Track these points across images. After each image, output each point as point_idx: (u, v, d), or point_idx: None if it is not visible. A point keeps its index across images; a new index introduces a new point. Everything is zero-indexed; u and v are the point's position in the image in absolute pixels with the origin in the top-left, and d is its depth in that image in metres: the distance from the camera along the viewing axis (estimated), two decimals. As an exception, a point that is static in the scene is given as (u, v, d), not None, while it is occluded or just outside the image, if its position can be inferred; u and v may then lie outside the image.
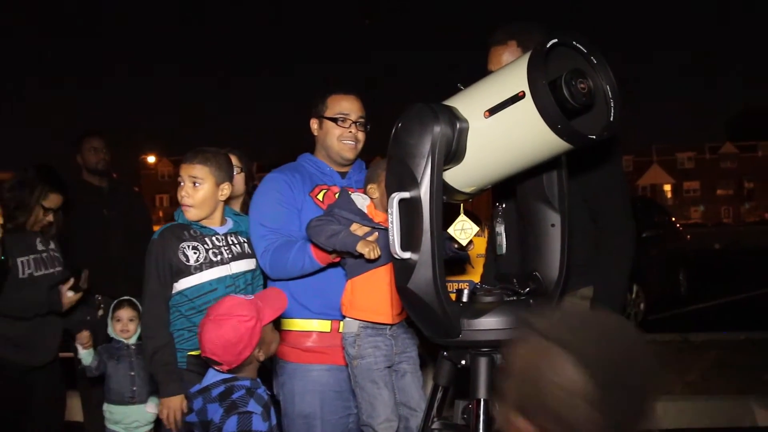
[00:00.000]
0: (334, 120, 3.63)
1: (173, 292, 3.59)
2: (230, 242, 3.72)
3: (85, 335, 4.47)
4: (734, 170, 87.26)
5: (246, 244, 3.79)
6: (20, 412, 4.30)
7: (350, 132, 3.64)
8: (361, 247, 3.11)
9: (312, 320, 3.57)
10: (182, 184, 3.63)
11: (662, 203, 42.55)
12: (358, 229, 3.21)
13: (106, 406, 4.55)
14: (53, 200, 4.38)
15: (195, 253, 3.60)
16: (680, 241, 14.48)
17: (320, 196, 3.63)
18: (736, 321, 10.37)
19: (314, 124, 3.72)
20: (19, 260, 4.22)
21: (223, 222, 3.75)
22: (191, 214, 3.65)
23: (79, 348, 4.49)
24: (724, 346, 8.18)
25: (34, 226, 4.33)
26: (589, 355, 1.42)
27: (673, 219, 15.58)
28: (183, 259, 3.56)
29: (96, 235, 5.43)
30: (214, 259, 3.61)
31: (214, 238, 3.68)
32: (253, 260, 3.76)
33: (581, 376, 1.39)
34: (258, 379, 2.91)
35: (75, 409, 5.65)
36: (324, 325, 3.57)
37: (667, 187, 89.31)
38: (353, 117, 3.64)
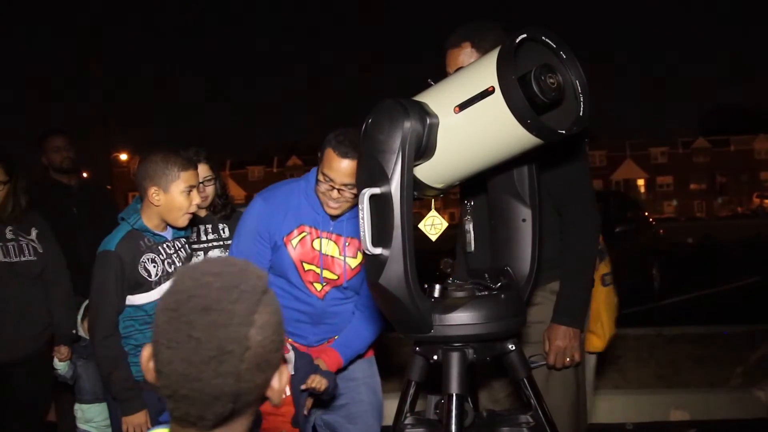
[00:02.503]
0: (324, 179, 3.40)
1: (127, 304, 3.48)
2: (177, 247, 3.66)
3: (63, 351, 4.41)
4: (707, 165, 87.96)
5: (187, 245, 3.77)
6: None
7: (332, 196, 3.41)
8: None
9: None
10: (192, 191, 3.54)
11: (635, 198, 42.75)
12: None
13: (77, 406, 4.50)
14: None
15: (154, 266, 3.50)
16: (653, 235, 14.61)
17: (294, 242, 3.52)
18: (710, 315, 10.46)
19: (318, 160, 3.49)
20: None
21: (165, 227, 3.64)
22: (187, 221, 3.60)
23: (56, 359, 4.43)
24: (696, 339, 8.24)
25: None
26: (169, 288, 1.46)
27: (647, 213, 15.75)
28: (144, 273, 3.45)
29: (65, 233, 5.38)
30: (170, 270, 3.54)
31: (165, 246, 3.59)
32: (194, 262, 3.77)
33: (160, 303, 1.46)
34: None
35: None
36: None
37: (641, 182, 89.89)
38: (336, 183, 3.36)
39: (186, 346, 1.36)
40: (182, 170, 3.47)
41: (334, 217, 3.53)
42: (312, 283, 3.54)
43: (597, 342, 3.97)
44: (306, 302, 3.56)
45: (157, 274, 3.49)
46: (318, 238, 3.53)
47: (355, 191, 3.34)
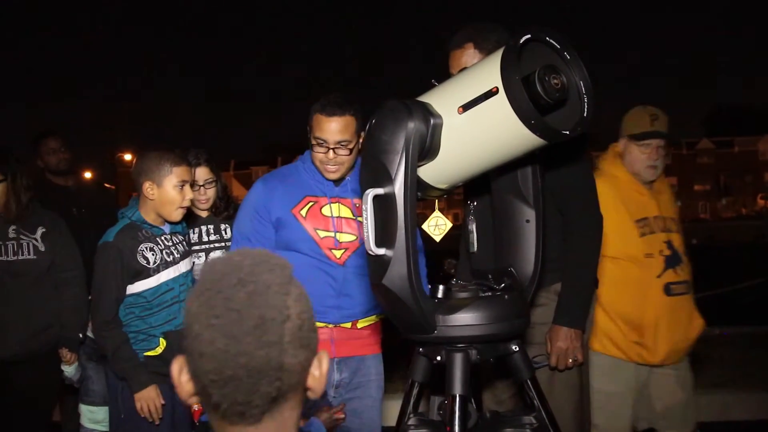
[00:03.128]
0: (317, 143, 3.52)
1: (128, 293, 3.62)
2: (174, 241, 3.81)
3: (65, 354, 4.40)
4: (711, 166, 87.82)
5: (185, 242, 3.91)
6: None
7: (329, 158, 3.50)
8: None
9: None
10: (184, 187, 3.70)
11: (640, 199, 42.61)
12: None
13: (85, 407, 4.51)
14: None
15: (153, 254, 3.65)
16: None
17: (303, 212, 3.56)
18: (714, 316, 10.44)
19: (308, 132, 3.61)
20: None
21: (163, 222, 3.82)
22: (182, 215, 3.76)
23: (63, 364, 4.42)
24: (699, 340, 8.21)
25: None
26: (201, 275, 1.45)
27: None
28: (143, 261, 3.60)
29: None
30: (168, 259, 3.70)
31: (163, 238, 3.75)
32: (191, 259, 3.91)
33: (192, 294, 1.44)
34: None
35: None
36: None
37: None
38: (330, 143, 3.48)
39: (226, 320, 1.34)
40: (174, 165, 3.67)
41: (336, 182, 3.61)
42: (331, 250, 3.56)
43: (645, 354, 3.93)
44: (327, 272, 3.57)
45: (155, 262, 3.64)
46: (327, 204, 3.59)
47: (350, 147, 3.51)
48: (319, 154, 3.52)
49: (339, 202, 3.60)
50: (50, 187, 5.69)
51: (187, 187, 3.71)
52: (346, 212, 3.61)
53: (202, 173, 4.26)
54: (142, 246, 3.63)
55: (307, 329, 1.41)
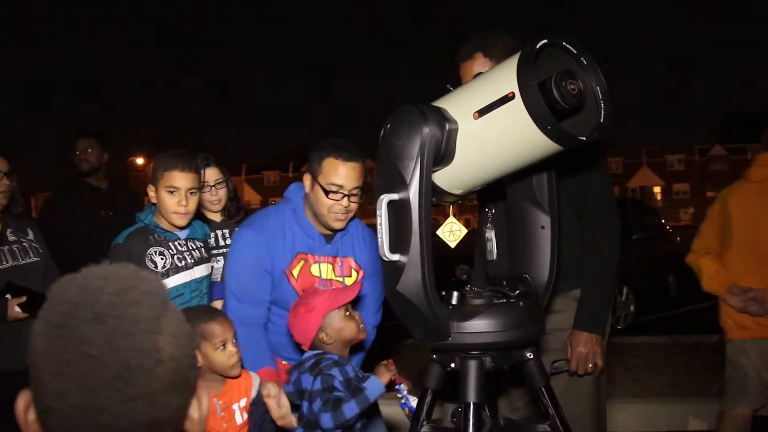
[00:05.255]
0: (326, 192, 3.32)
1: None
2: (190, 247, 3.72)
3: None
4: (724, 172, 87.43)
5: (203, 249, 3.80)
6: (8, 418, 4.20)
7: (342, 206, 3.35)
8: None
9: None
10: (175, 192, 3.59)
11: (652, 205, 42.65)
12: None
13: None
14: None
15: (162, 258, 3.58)
16: (670, 243, 14.50)
17: (295, 272, 3.45)
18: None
19: (307, 180, 3.42)
20: None
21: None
22: (185, 221, 3.66)
23: None
24: (714, 348, 8.18)
25: None
26: (50, 301, 1.15)
27: (663, 221, 15.64)
28: (151, 265, 3.52)
29: (91, 235, 5.39)
30: (179, 264, 3.61)
31: (177, 243, 3.67)
32: (210, 264, 3.81)
33: (38, 325, 1.15)
34: (348, 358, 3.10)
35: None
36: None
37: (657, 189, 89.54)
38: (346, 189, 3.30)
39: (81, 368, 1.06)
40: (166, 170, 3.60)
41: (328, 239, 3.50)
42: None
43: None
44: None
45: (164, 266, 3.56)
46: (316, 263, 3.48)
47: (358, 197, 3.37)
48: (331, 201, 3.33)
49: (326, 261, 3.50)
50: (82, 187, 5.72)
51: (180, 194, 3.56)
52: (330, 273, 3.50)
53: (212, 174, 4.26)
54: (152, 250, 3.57)
55: (184, 369, 1.16)
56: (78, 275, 1.16)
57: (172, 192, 3.58)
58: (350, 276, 3.50)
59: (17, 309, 4.03)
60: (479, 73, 2.97)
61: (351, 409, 2.82)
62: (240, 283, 3.48)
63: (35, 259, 4.31)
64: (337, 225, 3.42)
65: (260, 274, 3.44)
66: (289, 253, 3.43)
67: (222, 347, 3.14)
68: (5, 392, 4.13)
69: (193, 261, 3.68)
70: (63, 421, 1.09)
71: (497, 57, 3.14)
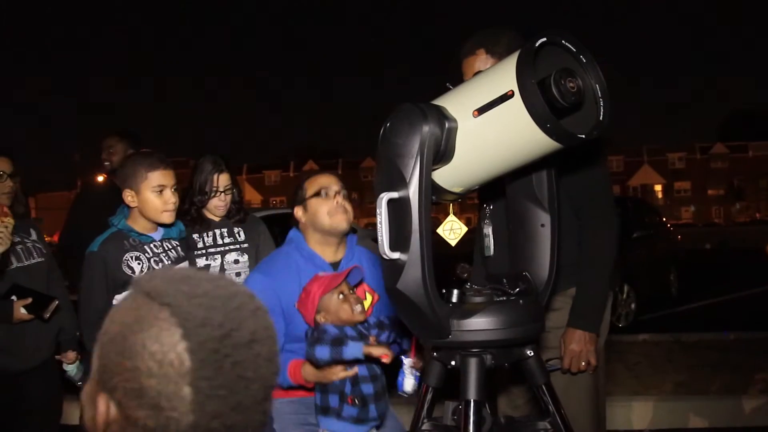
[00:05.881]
0: (318, 194, 3.52)
1: (114, 303, 3.51)
2: (166, 248, 3.72)
3: (70, 356, 4.37)
4: (725, 170, 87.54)
5: (179, 248, 3.81)
6: (11, 417, 4.21)
7: (337, 203, 3.51)
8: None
9: None
10: (164, 191, 3.58)
11: (653, 203, 42.62)
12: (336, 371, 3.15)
13: None
14: None
15: (139, 264, 3.56)
16: (671, 241, 14.52)
17: None
18: (728, 321, 10.39)
19: (299, 212, 3.59)
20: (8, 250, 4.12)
21: (155, 228, 3.73)
22: (173, 218, 3.67)
23: (64, 363, 4.41)
24: (715, 346, 8.20)
25: None
26: (191, 320, 1.15)
27: (664, 219, 15.64)
28: (128, 271, 3.51)
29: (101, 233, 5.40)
30: (156, 267, 3.57)
31: (152, 246, 3.66)
32: (185, 263, 3.81)
33: (182, 344, 1.13)
34: (349, 329, 3.17)
35: (70, 413, 5.58)
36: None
37: (658, 188, 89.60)
38: (335, 189, 3.54)
39: (238, 390, 1.13)
40: (150, 171, 3.57)
41: (335, 267, 3.54)
42: None
43: None
44: None
45: (142, 271, 3.54)
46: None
47: (347, 197, 3.56)
48: (325, 205, 3.50)
49: None
50: (105, 186, 5.76)
51: (167, 192, 3.60)
52: None
53: (223, 180, 4.28)
54: (128, 255, 3.55)
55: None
56: (207, 293, 1.18)
57: (160, 191, 3.57)
58: (365, 299, 3.50)
59: (23, 311, 4.02)
60: (479, 71, 2.98)
61: (323, 351, 3.04)
62: None
63: (39, 259, 4.31)
64: (343, 225, 3.50)
65: (276, 318, 3.42)
66: (297, 288, 3.42)
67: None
68: (8, 389, 4.18)
69: (170, 262, 3.68)
70: None
71: (499, 54, 3.14)
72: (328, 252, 3.56)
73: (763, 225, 59.56)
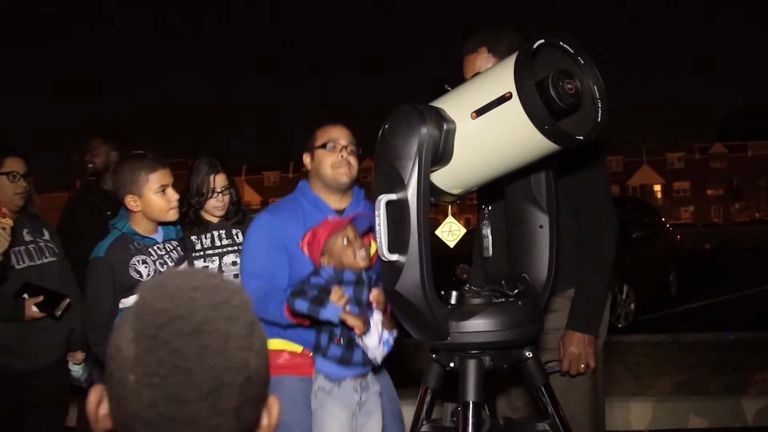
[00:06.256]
0: (324, 146, 3.57)
1: (122, 307, 3.55)
2: (168, 249, 3.75)
3: (79, 357, 4.38)
4: (724, 170, 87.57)
5: (179, 248, 3.84)
6: (17, 416, 4.20)
7: (342, 156, 3.55)
8: (344, 316, 3.03)
9: (284, 341, 3.52)
10: (166, 190, 3.60)
11: (652, 203, 42.64)
12: (335, 295, 3.10)
13: None
14: (12, 165, 4.21)
15: (145, 267, 3.58)
16: (670, 241, 14.52)
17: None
18: (727, 321, 10.39)
19: (307, 158, 3.66)
20: (10, 251, 4.11)
21: (156, 230, 3.75)
22: (178, 214, 3.68)
23: (70, 362, 4.41)
24: (714, 346, 8.19)
25: (10, 204, 4.21)
26: (141, 308, 1.13)
27: (663, 219, 15.64)
28: (135, 275, 3.52)
29: (94, 236, 5.39)
30: (162, 269, 3.61)
31: (156, 248, 3.69)
32: (185, 264, 3.82)
33: (130, 333, 1.12)
34: (348, 272, 3.20)
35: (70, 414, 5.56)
36: (295, 347, 3.52)
37: (657, 188, 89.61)
38: (343, 142, 3.58)
39: (174, 380, 1.07)
40: (150, 172, 3.58)
41: (339, 212, 3.58)
42: None
43: None
44: None
45: (149, 275, 3.55)
46: None
47: (355, 152, 3.59)
48: (331, 156, 3.55)
49: None
50: (90, 189, 5.74)
51: (169, 190, 3.63)
52: None
53: (220, 181, 4.27)
54: (134, 259, 3.56)
55: (263, 383, 1.19)
56: (166, 282, 1.15)
57: (162, 191, 3.59)
58: (369, 245, 3.52)
59: (34, 309, 4.04)
60: (477, 73, 2.98)
61: (301, 305, 3.06)
62: (256, 261, 3.54)
63: (51, 259, 4.32)
64: (344, 178, 3.55)
65: (274, 252, 3.50)
66: (302, 229, 3.50)
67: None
68: (15, 390, 4.16)
69: (173, 263, 3.71)
70: (149, 429, 1.09)
71: (501, 53, 3.13)
72: (332, 199, 3.61)
73: (762, 225, 59.54)
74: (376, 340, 3.14)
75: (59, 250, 4.42)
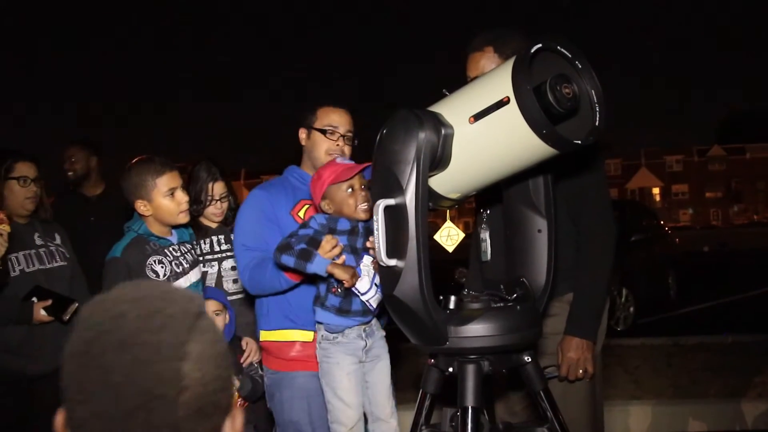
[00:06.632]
0: (323, 132, 3.57)
1: None
2: (183, 251, 3.75)
3: None
4: (723, 173, 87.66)
5: (194, 251, 3.86)
6: (23, 420, 4.17)
7: (338, 145, 3.56)
8: (331, 269, 3.04)
9: (295, 330, 3.53)
10: (175, 193, 3.59)
11: (651, 206, 42.73)
12: (328, 244, 3.10)
13: None
14: (22, 170, 4.25)
15: (162, 267, 3.59)
16: (669, 244, 14.51)
17: (301, 213, 3.58)
18: (727, 324, 10.38)
19: (302, 133, 3.66)
20: (7, 257, 4.10)
21: (170, 232, 3.76)
22: (189, 216, 3.70)
23: None
24: (714, 349, 8.17)
25: (21, 209, 4.24)
26: (79, 324, 1.12)
27: (662, 222, 15.65)
28: (152, 275, 3.52)
29: (80, 242, 5.38)
30: (178, 270, 3.64)
31: (172, 249, 3.69)
32: (200, 267, 3.86)
33: (68, 348, 1.12)
34: (343, 221, 3.21)
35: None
36: (306, 335, 3.50)
37: (656, 190, 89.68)
38: (342, 130, 3.57)
39: (102, 397, 1.04)
40: (157, 177, 3.57)
41: None
42: None
43: None
44: None
45: (165, 274, 3.57)
46: None
47: (351, 141, 3.61)
48: (328, 142, 3.56)
49: None
50: (71, 196, 5.72)
51: (178, 193, 3.61)
52: None
53: (219, 188, 4.29)
54: (151, 259, 3.57)
55: (213, 392, 1.12)
56: (109, 297, 1.14)
57: (171, 194, 3.58)
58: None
59: (42, 312, 4.04)
60: (475, 78, 2.97)
61: (287, 260, 3.07)
62: (247, 234, 3.57)
63: (62, 263, 4.34)
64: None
65: (266, 223, 3.53)
66: (291, 201, 3.56)
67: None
68: (22, 394, 4.15)
69: (188, 264, 3.72)
70: None
71: (506, 55, 3.09)
72: None
73: (761, 227, 59.54)
74: (367, 284, 3.14)
75: (71, 254, 4.45)
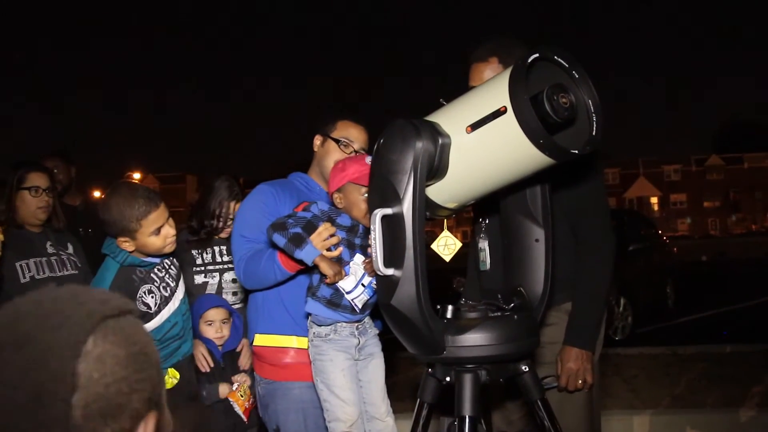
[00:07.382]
0: (338, 141, 3.57)
1: None
2: (166, 266, 3.58)
3: None
4: (721, 182, 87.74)
5: (176, 261, 3.70)
6: None
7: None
8: (318, 261, 3.04)
9: (290, 337, 3.49)
10: (162, 229, 3.41)
11: (649, 216, 42.72)
12: (326, 231, 3.11)
13: None
14: (34, 180, 4.28)
15: (152, 297, 3.43)
16: (667, 253, 14.54)
17: None
18: (725, 333, 10.39)
19: (317, 140, 3.67)
20: (17, 264, 4.13)
21: None
22: (174, 246, 3.53)
23: None
24: (712, 358, 8.17)
25: (33, 219, 4.25)
26: None
27: (660, 231, 15.66)
28: (144, 308, 3.37)
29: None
30: (166, 294, 3.49)
31: (156, 270, 3.51)
32: (182, 281, 3.69)
33: None
34: (345, 216, 3.20)
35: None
36: (301, 342, 3.43)
37: (654, 200, 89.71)
38: (356, 146, 3.58)
39: None
40: (142, 217, 3.33)
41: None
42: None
43: None
44: None
45: (156, 303, 3.45)
46: None
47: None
48: (338, 154, 3.54)
49: None
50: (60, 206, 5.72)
51: (165, 228, 3.41)
52: None
53: (237, 208, 4.22)
54: (141, 291, 3.40)
55: (117, 394, 1.12)
56: (19, 299, 1.16)
57: (157, 232, 3.39)
58: None
59: None
60: (472, 88, 2.98)
61: (279, 239, 3.08)
62: (248, 223, 3.54)
63: (73, 271, 4.38)
64: None
65: (267, 216, 3.42)
66: (295, 200, 3.53)
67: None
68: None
69: (174, 282, 3.59)
70: None
71: (510, 65, 3.11)
72: (325, 186, 3.59)
73: (759, 236, 59.58)
74: (353, 284, 3.14)
75: (83, 264, 4.46)
